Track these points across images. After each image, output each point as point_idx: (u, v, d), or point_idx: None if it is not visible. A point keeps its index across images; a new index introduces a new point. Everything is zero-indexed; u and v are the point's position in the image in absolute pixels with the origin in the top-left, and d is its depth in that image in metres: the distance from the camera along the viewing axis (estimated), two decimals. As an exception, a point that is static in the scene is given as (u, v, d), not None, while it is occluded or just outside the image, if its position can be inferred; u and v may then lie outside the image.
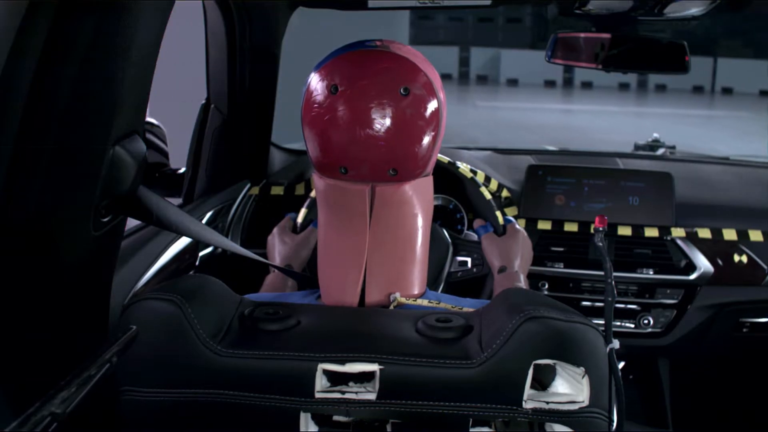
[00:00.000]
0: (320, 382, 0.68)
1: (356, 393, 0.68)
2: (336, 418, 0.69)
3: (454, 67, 16.71)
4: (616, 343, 0.77)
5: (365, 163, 0.79)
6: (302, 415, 0.68)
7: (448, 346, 0.70)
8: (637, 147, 2.85)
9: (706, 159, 2.08)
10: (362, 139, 0.77)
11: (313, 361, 0.68)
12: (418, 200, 0.83)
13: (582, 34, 1.43)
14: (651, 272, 1.60)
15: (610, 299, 0.87)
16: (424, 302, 0.84)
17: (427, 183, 0.85)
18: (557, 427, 0.67)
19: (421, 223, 0.84)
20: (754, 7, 1.18)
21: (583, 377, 0.67)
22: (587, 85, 15.75)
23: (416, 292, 0.85)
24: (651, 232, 1.62)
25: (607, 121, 10.36)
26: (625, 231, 1.62)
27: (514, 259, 1.15)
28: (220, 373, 0.69)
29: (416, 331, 0.73)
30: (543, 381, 0.69)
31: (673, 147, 2.75)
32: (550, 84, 15.76)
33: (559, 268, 1.63)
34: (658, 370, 1.72)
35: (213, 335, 0.71)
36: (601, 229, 0.97)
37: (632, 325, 1.61)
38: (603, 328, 0.75)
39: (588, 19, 1.42)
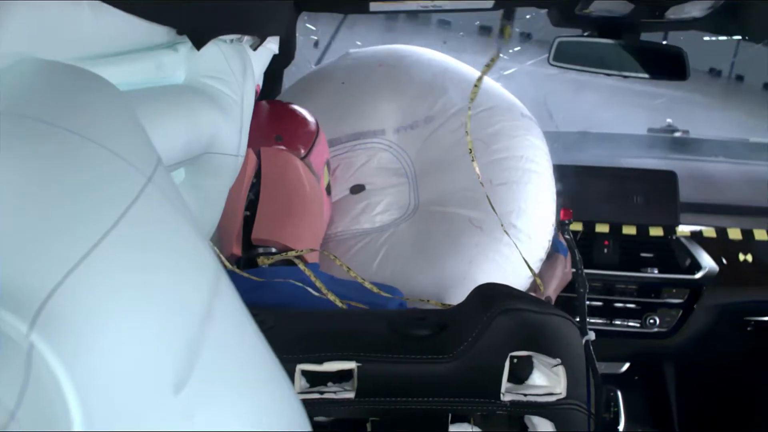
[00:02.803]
0: (299, 383, 0.68)
1: (335, 393, 0.68)
2: (317, 418, 0.69)
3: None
4: (591, 335, 0.77)
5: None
6: None
7: (423, 342, 0.70)
8: (651, 131, 2.82)
9: (724, 141, 2.06)
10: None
11: (290, 362, 0.68)
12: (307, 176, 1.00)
13: (583, 38, 1.43)
14: (656, 271, 1.61)
15: (582, 290, 0.87)
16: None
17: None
18: (536, 419, 0.68)
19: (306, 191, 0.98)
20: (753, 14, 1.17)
21: (558, 368, 0.67)
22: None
23: (301, 247, 0.95)
24: (655, 232, 1.62)
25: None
26: (629, 230, 1.62)
27: (547, 283, 1.17)
28: None
29: (391, 329, 0.73)
30: (520, 374, 0.69)
31: (687, 131, 2.72)
32: (485, 30, 13.35)
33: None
34: (664, 371, 1.73)
35: None
36: (566, 222, 0.97)
37: (638, 325, 1.62)
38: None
39: (589, 23, 1.42)
